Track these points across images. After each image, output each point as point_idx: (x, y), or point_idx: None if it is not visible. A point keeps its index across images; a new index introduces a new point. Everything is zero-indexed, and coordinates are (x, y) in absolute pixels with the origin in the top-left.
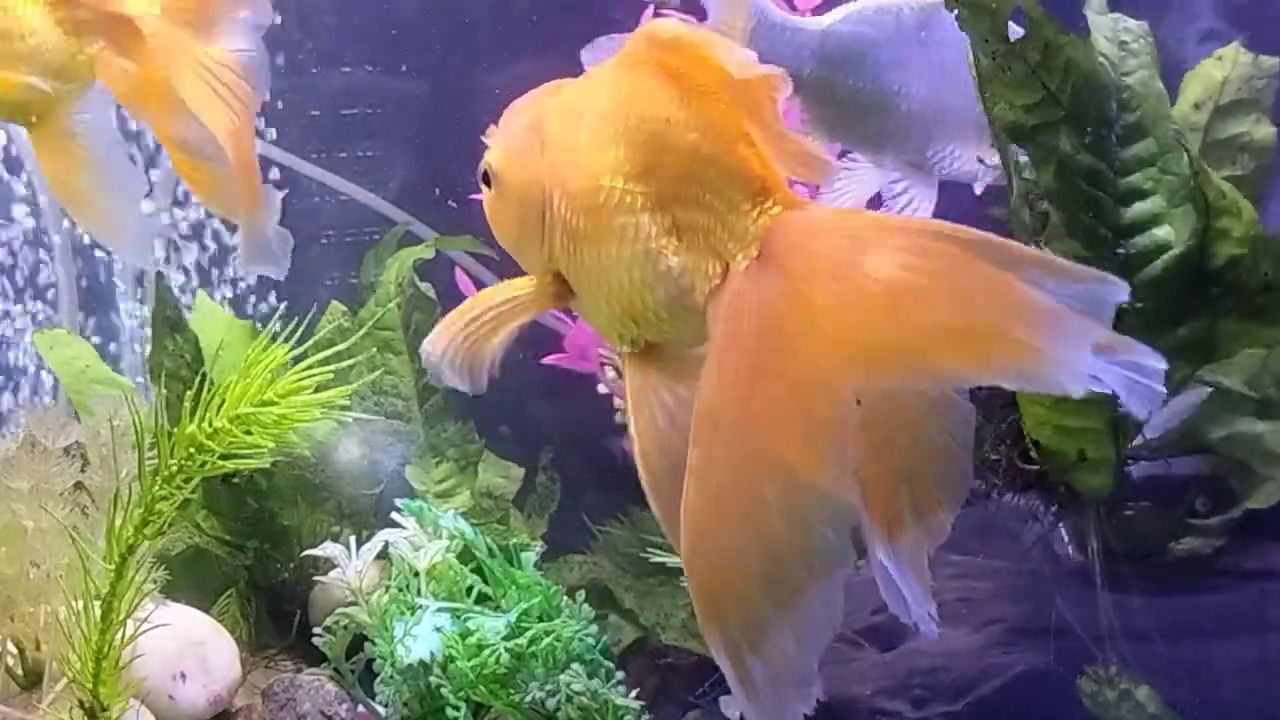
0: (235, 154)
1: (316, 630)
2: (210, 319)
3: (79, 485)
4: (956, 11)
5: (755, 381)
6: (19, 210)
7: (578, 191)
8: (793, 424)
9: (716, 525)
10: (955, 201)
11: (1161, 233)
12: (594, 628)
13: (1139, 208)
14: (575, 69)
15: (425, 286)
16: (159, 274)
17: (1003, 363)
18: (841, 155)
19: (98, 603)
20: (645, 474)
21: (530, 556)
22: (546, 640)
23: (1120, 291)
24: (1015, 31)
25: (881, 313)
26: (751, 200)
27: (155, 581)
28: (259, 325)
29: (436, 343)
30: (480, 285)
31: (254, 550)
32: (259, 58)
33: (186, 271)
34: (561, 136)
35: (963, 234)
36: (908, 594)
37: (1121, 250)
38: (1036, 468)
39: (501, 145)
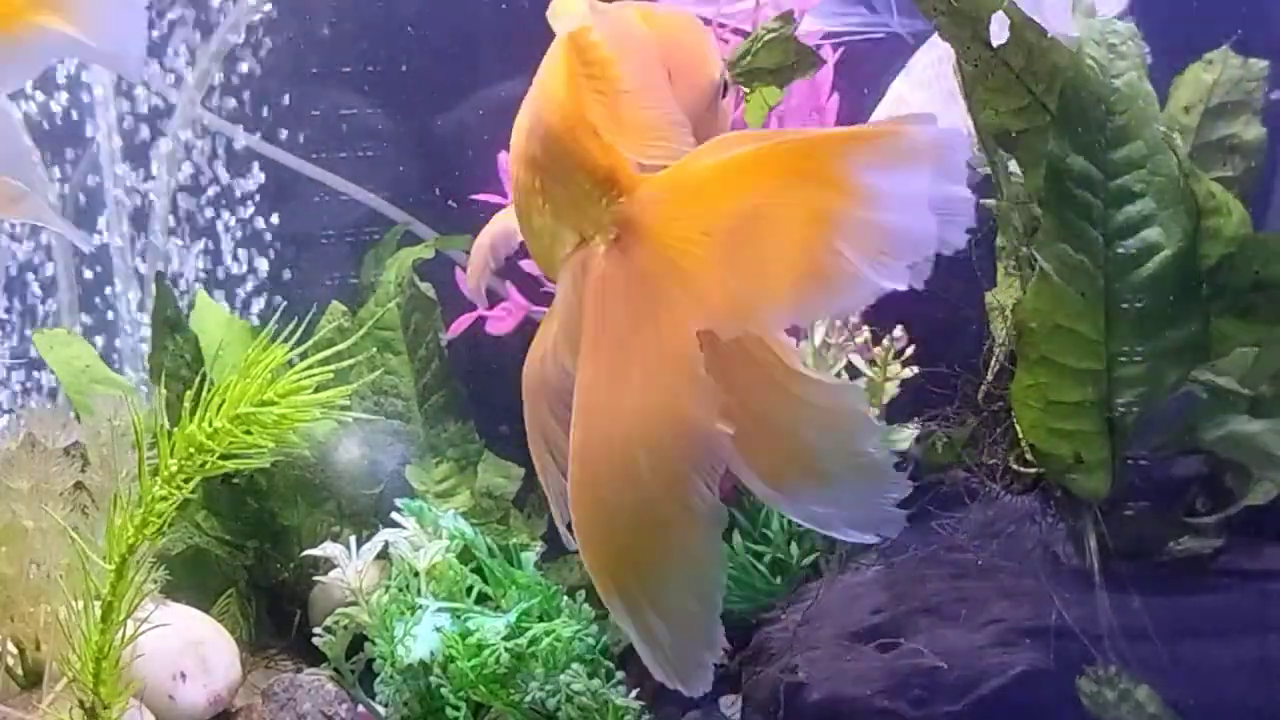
0: None
1: (316, 630)
2: (210, 319)
3: (79, 485)
4: (936, 21)
5: (624, 356)
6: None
7: (514, 144)
8: (662, 385)
9: (601, 491)
10: None
11: (1152, 234)
12: (594, 628)
13: (1129, 210)
14: None
15: (425, 286)
16: (159, 274)
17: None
18: None
19: (98, 603)
20: (525, 392)
21: (530, 556)
22: (546, 640)
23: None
24: None
25: (745, 243)
26: (600, 189)
27: (155, 581)
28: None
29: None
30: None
31: (254, 550)
32: None
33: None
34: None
35: (792, 133)
36: (843, 528)
37: (1113, 252)
38: (1033, 471)
39: None
